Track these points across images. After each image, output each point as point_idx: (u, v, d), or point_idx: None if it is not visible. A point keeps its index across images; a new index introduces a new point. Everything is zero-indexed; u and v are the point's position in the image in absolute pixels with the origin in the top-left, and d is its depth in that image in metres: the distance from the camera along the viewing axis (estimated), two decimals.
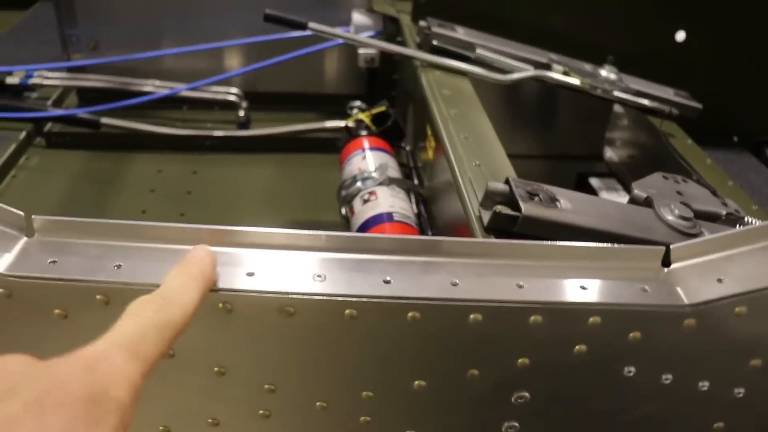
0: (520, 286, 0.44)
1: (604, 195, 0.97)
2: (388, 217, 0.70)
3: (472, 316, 0.43)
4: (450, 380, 0.47)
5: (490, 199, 0.55)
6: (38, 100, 1.10)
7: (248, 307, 0.42)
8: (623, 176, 1.03)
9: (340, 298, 0.41)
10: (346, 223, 0.79)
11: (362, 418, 0.48)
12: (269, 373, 0.45)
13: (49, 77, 1.10)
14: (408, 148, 0.91)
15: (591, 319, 0.44)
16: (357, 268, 0.43)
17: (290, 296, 0.41)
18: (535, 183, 0.56)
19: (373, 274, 0.43)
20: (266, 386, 0.45)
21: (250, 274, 0.42)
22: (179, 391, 0.46)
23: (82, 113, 1.05)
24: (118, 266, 0.42)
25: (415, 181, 0.83)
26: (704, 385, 0.48)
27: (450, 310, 0.42)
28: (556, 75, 0.86)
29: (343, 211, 0.77)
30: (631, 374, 0.47)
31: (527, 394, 0.47)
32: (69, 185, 0.97)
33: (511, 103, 1.07)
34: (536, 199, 0.54)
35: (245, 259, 0.44)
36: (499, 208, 0.53)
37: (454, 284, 0.43)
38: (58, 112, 1.05)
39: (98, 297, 0.41)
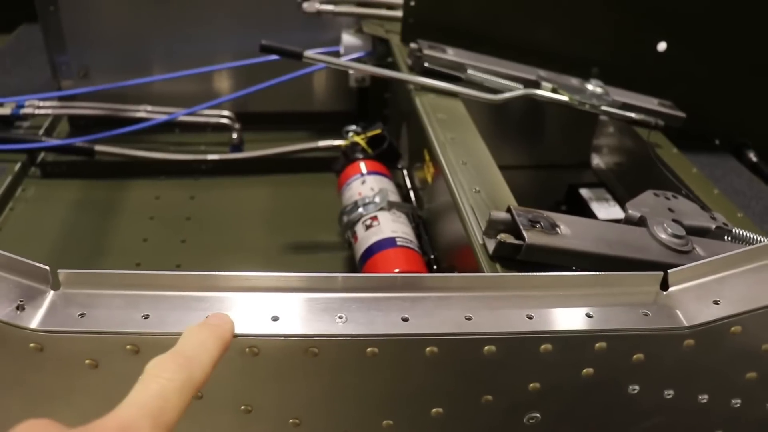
0: (530, 317, 0.46)
1: (595, 205, 0.99)
2: (391, 242, 0.72)
3: (486, 347, 0.45)
4: (466, 406, 0.49)
5: (493, 227, 0.57)
6: (30, 130, 1.11)
7: (274, 350, 0.44)
8: (612, 185, 1.06)
9: (362, 338, 0.43)
10: (348, 247, 0.80)
11: None
12: (294, 408, 0.47)
13: (41, 106, 1.11)
14: (403, 168, 0.93)
15: (597, 345, 0.46)
16: (375, 307, 0.45)
17: (314, 338, 0.43)
18: (535, 210, 0.59)
19: (391, 312, 0.45)
20: (291, 420, 0.47)
21: (275, 319, 0.44)
22: (207, 430, 0.48)
23: (75, 141, 1.05)
24: (146, 316, 0.44)
25: (413, 202, 0.85)
26: (704, 398, 0.51)
27: (466, 343, 0.45)
28: (545, 92, 0.88)
29: (346, 236, 0.79)
30: (635, 392, 0.50)
31: (538, 415, 0.50)
32: (68, 215, 0.98)
33: (500, 115, 1.09)
34: (537, 226, 0.56)
35: (268, 303, 0.45)
36: (503, 237, 0.56)
37: (468, 318, 0.45)
38: (54, 142, 1.06)
39: (128, 347, 0.43)
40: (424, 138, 0.77)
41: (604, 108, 0.92)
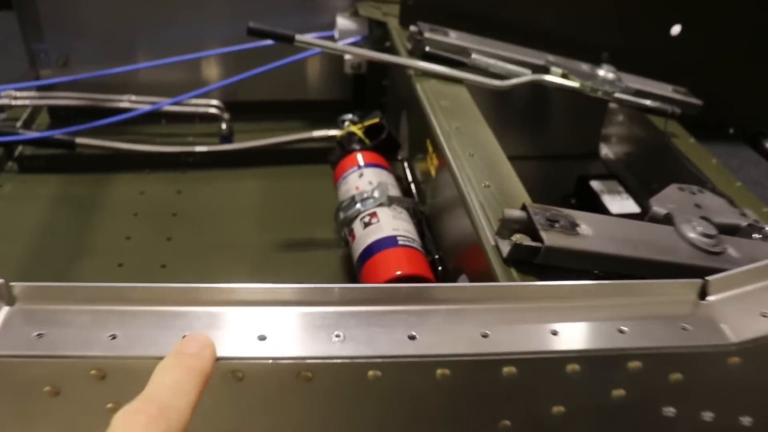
0: (555, 333, 0.40)
1: (606, 198, 0.94)
2: (392, 241, 0.66)
3: (506, 369, 0.39)
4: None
5: (506, 227, 0.52)
6: (7, 122, 1.04)
7: (262, 375, 0.38)
8: (622, 176, 1.01)
9: (362, 360, 0.37)
10: (345, 246, 0.75)
11: None
12: None
13: (18, 97, 1.05)
14: (404, 159, 0.87)
15: (631, 364, 0.41)
16: (377, 323, 0.40)
17: (308, 361, 0.37)
18: (552, 208, 0.53)
19: (396, 329, 0.39)
20: None
21: (262, 338, 0.38)
22: None
23: (54, 134, 0.99)
24: (113, 336, 0.38)
25: (415, 197, 0.80)
26: (746, 420, 0.46)
27: (482, 365, 0.39)
28: (555, 78, 0.83)
29: (343, 233, 0.73)
30: (671, 414, 0.44)
31: None
32: (47, 213, 0.92)
33: (503, 103, 1.04)
34: (556, 226, 0.51)
35: (254, 319, 0.40)
36: (519, 238, 0.50)
37: (485, 335, 0.39)
38: (32, 134, 1.00)
39: (93, 372, 0.37)
40: (427, 127, 0.71)
41: (617, 95, 0.86)
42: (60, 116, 1.09)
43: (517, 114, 1.08)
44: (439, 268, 0.68)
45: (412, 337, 0.39)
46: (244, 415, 0.40)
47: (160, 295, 0.40)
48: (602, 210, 0.93)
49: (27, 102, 1.06)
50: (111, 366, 0.37)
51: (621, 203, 0.93)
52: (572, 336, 0.40)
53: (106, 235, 0.89)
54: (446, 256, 0.68)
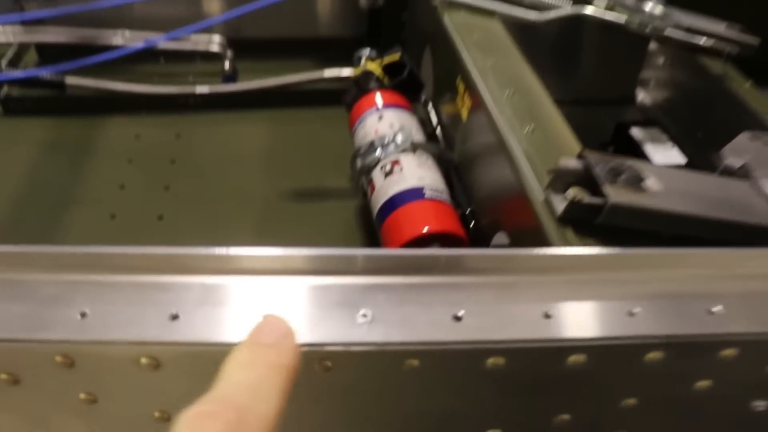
0: (632, 314, 0.33)
1: (649, 148, 0.85)
2: (418, 193, 0.57)
3: (572, 357, 0.32)
4: (532, 427, 0.36)
5: (560, 180, 0.43)
6: None
7: None
8: (666, 124, 0.92)
9: (396, 347, 0.30)
10: (363, 197, 0.66)
11: None
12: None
13: (2, 32, 0.95)
14: (426, 100, 0.78)
15: (724, 352, 0.33)
16: (413, 298, 0.32)
17: (327, 348, 0.30)
18: (615, 156, 0.44)
19: (437, 307, 0.31)
20: None
21: None
22: None
23: (43, 74, 0.90)
24: (83, 314, 0.30)
25: (441, 143, 0.71)
26: None
27: (545, 353, 0.31)
28: (600, 12, 0.73)
29: (360, 183, 0.65)
30: (760, 409, 0.37)
31: None
32: (33, 159, 0.84)
33: (532, 40, 0.94)
34: (620, 179, 0.42)
35: (258, 293, 0.32)
36: (577, 194, 0.42)
37: (548, 316, 0.32)
38: (18, 73, 0.91)
39: (58, 359, 0.30)
40: (457, 64, 0.62)
41: (668, 33, 0.76)
42: (49, 54, 0.99)
43: (545, 54, 0.98)
44: (471, 224, 0.60)
45: (457, 318, 0.31)
46: None
47: (142, 261, 0.32)
48: (644, 161, 0.84)
49: (11, 38, 0.97)
50: (81, 352, 0.30)
51: (665, 153, 0.84)
52: (655, 317, 0.33)
53: (98, 183, 0.80)
54: (479, 211, 0.60)
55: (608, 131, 0.91)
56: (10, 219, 0.74)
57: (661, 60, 0.96)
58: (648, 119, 0.95)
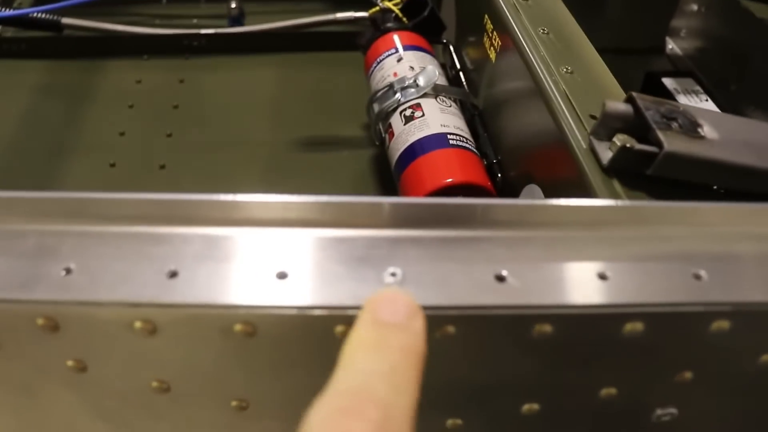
0: (698, 277, 0.28)
1: (683, 100, 0.80)
2: (442, 140, 0.53)
3: (628, 325, 0.27)
4: (574, 401, 0.32)
5: (606, 125, 0.39)
6: None
7: (281, 328, 0.26)
8: (700, 75, 0.86)
9: (431, 312, 0.26)
10: (380, 145, 0.62)
11: None
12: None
13: None
14: (448, 41, 0.73)
15: None
16: (449, 255, 0.28)
17: (349, 312, 0.26)
18: (667, 101, 0.40)
19: (477, 266, 0.27)
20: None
21: (282, 276, 0.26)
22: (185, 430, 0.32)
23: (38, 12, 0.85)
24: (67, 271, 0.26)
25: (465, 87, 0.66)
26: None
27: (597, 319, 0.27)
28: None
29: (377, 130, 0.60)
30: None
31: (675, 411, 0.33)
32: (29, 104, 0.79)
33: None
34: (674, 125, 0.38)
35: (269, 248, 0.28)
36: (626, 140, 0.37)
37: (603, 277, 0.27)
38: (11, 12, 0.86)
39: (40, 321, 0.26)
40: (485, 0, 0.56)
41: None
42: None
43: (570, 1, 0.93)
44: (498, 175, 0.55)
45: (500, 278, 0.27)
46: (256, 382, 0.29)
47: (137, 209, 0.28)
48: None
49: None
50: (65, 314, 0.26)
51: (699, 105, 0.79)
52: (723, 282, 0.28)
53: (97, 129, 0.76)
54: (507, 162, 0.55)
55: (635, 82, 0.86)
56: (3, 167, 0.70)
57: (694, 7, 0.91)
58: (679, 70, 0.89)
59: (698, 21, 0.90)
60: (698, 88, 0.82)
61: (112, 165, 0.71)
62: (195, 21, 0.94)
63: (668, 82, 0.83)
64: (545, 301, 0.26)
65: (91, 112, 0.79)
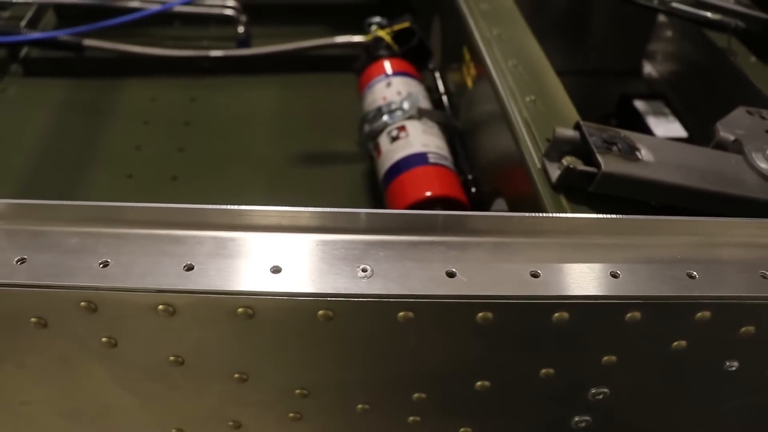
0: (615, 276, 0.35)
1: (651, 120, 0.86)
2: (422, 158, 0.60)
3: (556, 314, 0.34)
4: (519, 380, 0.38)
5: (556, 148, 0.45)
6: (10, 21, 0.97)
7: (275, 312, 0.33)
8: (669, 97, 0.93)
9: (393, 299, 0.32)
10: (370, 160, 0.68)
11: (411, 419, 0.40)
12: (301, 379, 0.37)
13: None
14: (435, 69, 0.80)
15: (699, 314, 0.35)
16: (410, 255, 0.34)
17: (329, 299, 0.32)
18: (610, 128, 0.46)
19: (432, 264, 0.34)
20: (297, 391, 0.37)
21: (276, 270, 0.33)
22: (194, 399, 0.38)
23: (62, 35, 0.92)
24: (105, 264, 0.33)
25: (447, 110, 0.72)
26: None
27: (530, 309, 0.34)
28: None
29: (368, 147, 0.67)
30: (733, 369, 0.39)
31: (607, 390, 0.40)
32: (52, 119, 0.86)
33: (539, 11, 0.95)
34: (614, 149, 0.44)
35: (267, 248, 0.34)
36: (572, 161, 0.44)
37: (535, 275, 0.34)
38: (37, 35, 0.93)
39: (82, 304, 0.32)
40: (464, 33, 0.63)
41: (675, 5, 0.77)
42: (67, 16, 1.01)
43: (552, 25, 1.00)
44: (473, 190, 0.62)
45: (451, 274, 0.33)
46: (254, 357, 0.35)
47: (159, 216, 0.35)
48: (646, 133, 0.85)
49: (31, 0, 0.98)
50: (102, 298, 0.32)
51: (667, 126, 0.86)
52: (635, 279, 0.35)
53: (115, 144, 0.83)
54: (481, 178, 0.62)
55: (614, 102, 0.93)
56: (29, 177, 0.77)
57: (669, 33, 0.97)
58: (652, 92, 0.95)
59: (672, 46, 0.96)
60: (667, 110, 0.89)
61: (129, 176, 0.78)
62: (205, 43, 1.00)
63: (639, 104, 0.89)
64: (486, 292, 0.33)
65: (109, 127, 0.86)
